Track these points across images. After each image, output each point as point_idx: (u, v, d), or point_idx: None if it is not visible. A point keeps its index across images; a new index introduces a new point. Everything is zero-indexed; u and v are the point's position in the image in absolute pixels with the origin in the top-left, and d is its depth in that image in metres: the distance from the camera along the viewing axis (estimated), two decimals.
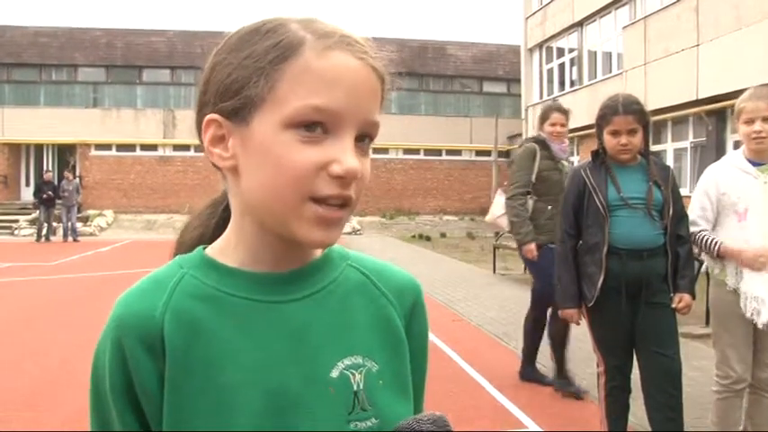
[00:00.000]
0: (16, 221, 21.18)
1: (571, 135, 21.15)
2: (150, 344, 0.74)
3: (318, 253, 0.84)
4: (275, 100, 0.73)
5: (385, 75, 0.78)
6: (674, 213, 3.09)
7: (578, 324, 3.28)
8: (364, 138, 0.76)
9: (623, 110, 3.05)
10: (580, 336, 5.85)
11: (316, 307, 0.80)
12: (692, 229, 3.17)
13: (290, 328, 0.77)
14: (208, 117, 0.77)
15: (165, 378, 0.73)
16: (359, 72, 0.74)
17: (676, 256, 3.10)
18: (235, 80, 0.75)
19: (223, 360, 0.74)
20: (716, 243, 3.10)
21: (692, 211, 3.22)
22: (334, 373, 0.77)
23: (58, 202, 18.95)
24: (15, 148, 25.19)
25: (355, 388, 0.78)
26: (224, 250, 0.81)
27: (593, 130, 3.25)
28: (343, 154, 0.72)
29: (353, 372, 0.78)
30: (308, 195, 0.73)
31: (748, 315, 3.00)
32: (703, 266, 3.28)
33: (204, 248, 0.83)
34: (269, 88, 0.73)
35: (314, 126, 0.72)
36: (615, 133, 3.08)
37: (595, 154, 3.22)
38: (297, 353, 0.76)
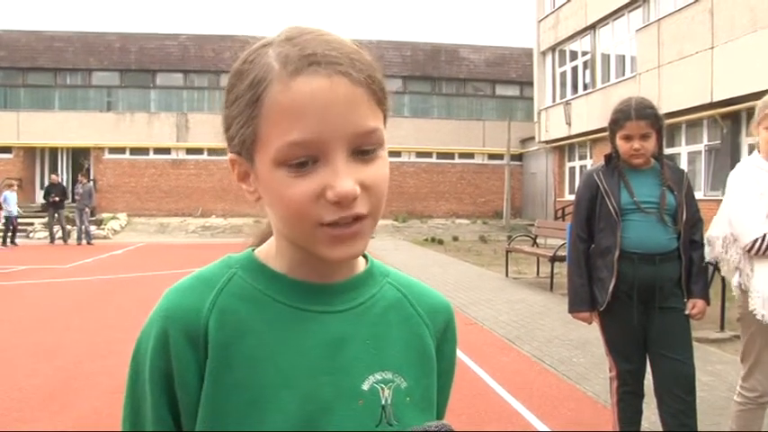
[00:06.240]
0: (31, 224, 21.31)
1: (584, 138, 20.93)
2: (194, 337, 0.77)
3: (362, 267, 0.87)
4: (262, 141, 0.75)
5: (366, 77, 0.75)
6: (687, 218, 3.05)
7: (590, 323, 3.26)
8: (367, 148, 0.75)
9: (636, 114, 3.00)
10: (592, 340, 5.84)
11: (354, 321, 0.82)
12: (752, 231, 2.89)
13: (328, 338, 0.80)
14: (229, 157, 0.81)
15: (206, 371, 0.76)
16: (327, 91, 0.72)
17: (690, 260, 3.06)
18: (231, 124, 0.79)
19: (263, 360, 0.77)
20: None
21: (740, 209, 2.96)
22: (365, 386, 0.79)
23: (72, 204, 19.06)
24: (30, 152, 25.42)
25: (383, 402, 0.80)
26: (270, 256, 0.84)
27: (607, 134, 3.21)
28: (334, 178, 0.72)
29: (383, 386, 0.80)
30: (317, 222, 0.74)
31: (759, 316, 2.87)
32: (734, 281, 3.15)
33: (254, 250, 0.86)
34: (254, 131, 0.75)
35: (302, 159, 0.72)
36: (628, 138, 3.03)
37: (608, 158, 3.18)
38: (332, 363, 0.79)
